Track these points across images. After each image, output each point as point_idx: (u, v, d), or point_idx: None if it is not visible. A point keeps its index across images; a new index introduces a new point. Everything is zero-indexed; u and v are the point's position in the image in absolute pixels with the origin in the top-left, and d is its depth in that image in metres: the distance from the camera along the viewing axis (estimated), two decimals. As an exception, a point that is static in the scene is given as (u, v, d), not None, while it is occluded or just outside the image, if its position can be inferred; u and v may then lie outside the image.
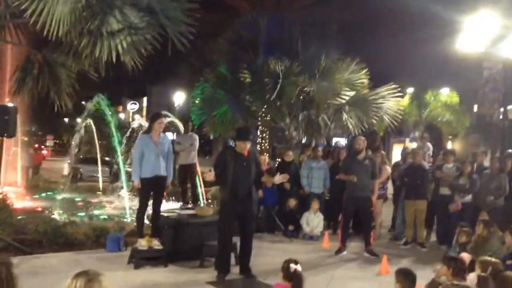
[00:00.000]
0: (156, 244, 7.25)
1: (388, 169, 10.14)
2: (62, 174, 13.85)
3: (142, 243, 7.20)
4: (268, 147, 13.93)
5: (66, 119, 45.46)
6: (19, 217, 8.89)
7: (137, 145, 7.66)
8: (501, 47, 11.30)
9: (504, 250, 6.07)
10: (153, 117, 7.82)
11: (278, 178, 7.02)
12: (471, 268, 4.61)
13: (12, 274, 3.16)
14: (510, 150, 10.81)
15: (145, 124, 9.53)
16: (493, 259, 4.69)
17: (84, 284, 2.80)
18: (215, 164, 6.62)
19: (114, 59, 9.68)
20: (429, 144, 12.11)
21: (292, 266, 4.34)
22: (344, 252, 8.41)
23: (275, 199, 10.23)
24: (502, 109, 14.63)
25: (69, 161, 13.01)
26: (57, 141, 44.30)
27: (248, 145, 6.57)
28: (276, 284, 4.53)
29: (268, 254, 7.71)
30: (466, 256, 4.98)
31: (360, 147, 8.46)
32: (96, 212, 10.29)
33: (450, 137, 23.75)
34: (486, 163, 9.85)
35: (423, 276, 5.31)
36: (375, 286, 6.62)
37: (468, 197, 8.86)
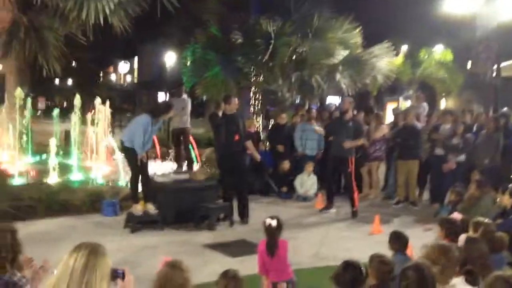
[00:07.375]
0: (151, 208, 7.32)
1: (385, 128, 10.06)
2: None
3: (137, 208, 7.27)
4: (261, 109, 13.79)
5: (56, 81, 44.74)
6: (15, 184, 8.87)
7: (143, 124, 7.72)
8: (494, 6, 11.11)
9: (495, 210, 6.16)
10: (165, 108, 8.06)
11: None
12: (463, 229, 4.66)
13: (17, 240, 3.17)
14: (505, 109, 10.79)
15: None
16: (486, 220, 4.73)
17: (86, 258, 2.32)
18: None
19: (101, 21, 9.46)
20: (424, 104, 12.02)
21: (267, 220, 4.41)
22: (332, 210, 8.57)
23: (270, 161, 10.25)
24: (495, 67, 14.55)
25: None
26: (49, 102, 43.59)
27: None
28: (261, 241, 4.63)
29: (261, 216, 7.73)
30: (457, 216, 5.02)
31: (345, 108, 8.53)
32: (90, 176, 10.26)
33: (443, 94, 23.64)
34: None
35: (414, 235, 5.41)
36: (367, 246, 6.70)
37: (462, 157, 8.91)
